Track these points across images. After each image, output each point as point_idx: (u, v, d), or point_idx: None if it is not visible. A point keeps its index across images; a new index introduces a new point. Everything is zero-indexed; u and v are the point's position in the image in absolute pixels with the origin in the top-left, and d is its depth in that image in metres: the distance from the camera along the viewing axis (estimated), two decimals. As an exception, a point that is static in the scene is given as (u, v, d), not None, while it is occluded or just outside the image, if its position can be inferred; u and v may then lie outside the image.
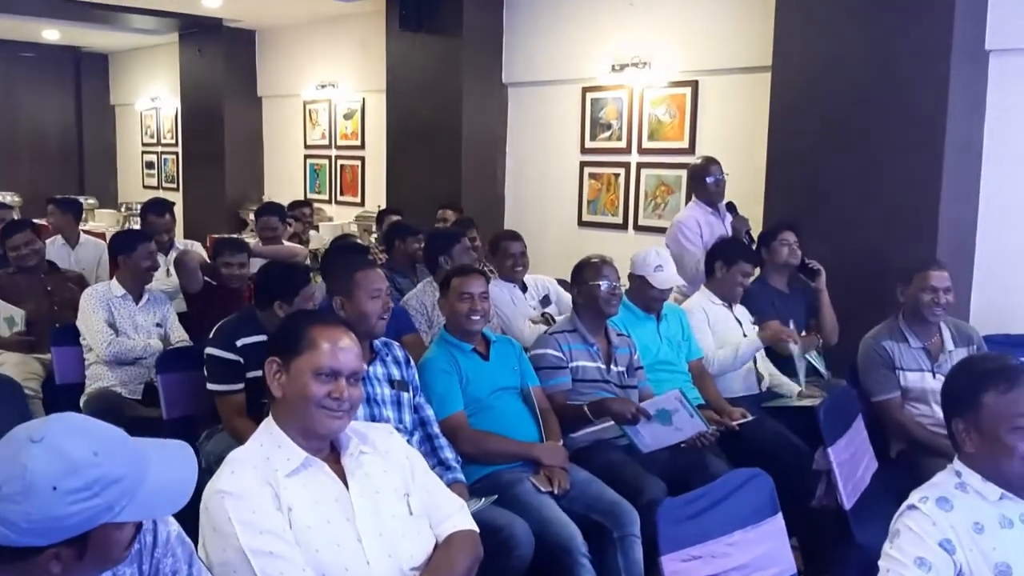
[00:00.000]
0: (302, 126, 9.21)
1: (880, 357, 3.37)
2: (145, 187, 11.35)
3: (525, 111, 6.97)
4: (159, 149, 11.25)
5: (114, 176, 12.22)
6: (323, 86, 8.71)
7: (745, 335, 3.87)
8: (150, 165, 11.48)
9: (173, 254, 4.74)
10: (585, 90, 6.51)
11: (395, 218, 5.81)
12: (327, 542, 1.76)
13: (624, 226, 6.40)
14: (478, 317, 3.04)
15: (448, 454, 2.77)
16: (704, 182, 4.66)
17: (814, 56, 4.66)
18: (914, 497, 1.79)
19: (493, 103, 6.96)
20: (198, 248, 5.28)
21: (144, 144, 11.56)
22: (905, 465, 3.21)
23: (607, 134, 6.43)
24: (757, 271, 4.19)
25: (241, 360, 3.07)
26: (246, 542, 1.68)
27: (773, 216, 4.67)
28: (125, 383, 3.90)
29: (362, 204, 8.51)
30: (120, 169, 12.25)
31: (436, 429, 2.82)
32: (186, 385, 3.33)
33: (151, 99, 11.07)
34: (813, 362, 3.98)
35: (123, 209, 9.98)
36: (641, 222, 6.30)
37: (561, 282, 4.47)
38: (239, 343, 3.09)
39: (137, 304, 4.07)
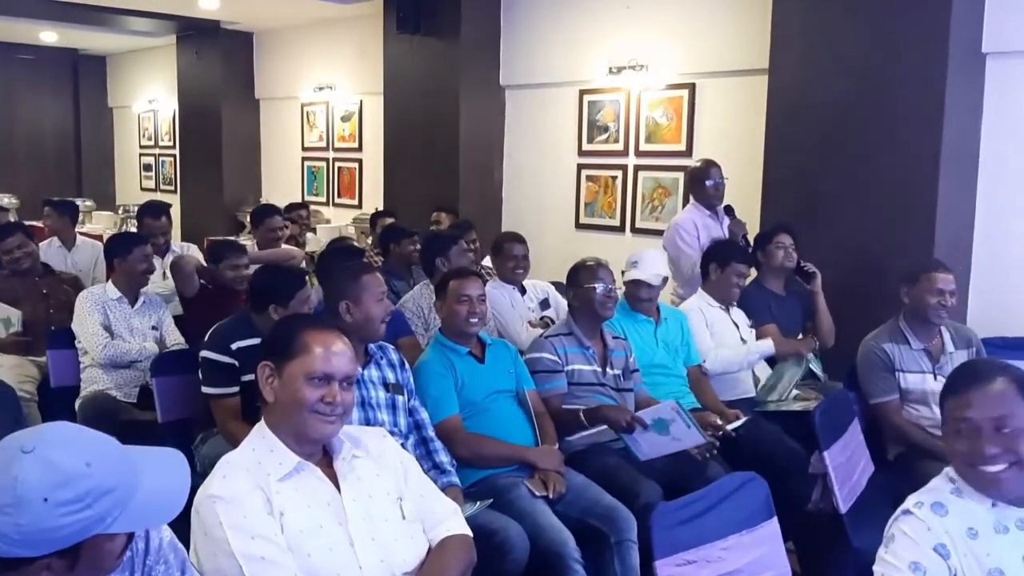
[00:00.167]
0: (300, 128, 9.20)
1: (880, 359, 3.37)
2: (143, 189, 11.35)
3: (522, 113, 6.96)
4: (157, 151, 11.24)
5: (112, 178, 12.21)
6: (321, 88, 8.71)
7: (743, 338, 3.87)
8: (148, 167, 11.46)
9: (169, 257, 4.75)
10: (582, 92, 6.50)
11: (388, 220, 5.80)
12: (319, 547, 1.75)
13: (621, 228, 6.39)
14: (476, 320, 3.03)
15: (443, 458, 2.76)
16: (703, 185, 4.66)
17: (811, 59, 4.65)
18: (909, 502, 1.78)
19: (491, 105, 6.95)
20: (194, 252, 5.28)
21: (142, 146, 11.56)
22: (902, 469, 3.21)
23: (604, 136, 6.43)
24: (753, 272, 4.19)
25: (236, 363, 3.07)
26: (238, 547, 1.67)
27: (770, 219, 4.66)
28: (120, 386, 3.90)
29: (359, 206, 8.49)
30: (118, 171, 12.24)
31: (431, 432, 2.81)
32: (181, 388, 3.32)
33: (149, 101, 11.07)
34: (810, 365, 3.97)
35: (121, 211, 9.95)
36: (638, 224, 6.29)
37: (558, 285, 4.46)
38: (234, 346, 3.08)
39: (133, 307, 4.06)
